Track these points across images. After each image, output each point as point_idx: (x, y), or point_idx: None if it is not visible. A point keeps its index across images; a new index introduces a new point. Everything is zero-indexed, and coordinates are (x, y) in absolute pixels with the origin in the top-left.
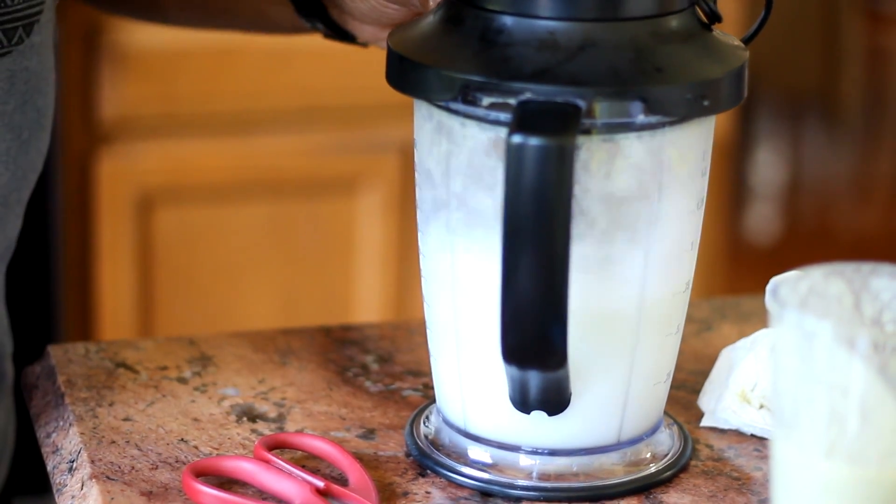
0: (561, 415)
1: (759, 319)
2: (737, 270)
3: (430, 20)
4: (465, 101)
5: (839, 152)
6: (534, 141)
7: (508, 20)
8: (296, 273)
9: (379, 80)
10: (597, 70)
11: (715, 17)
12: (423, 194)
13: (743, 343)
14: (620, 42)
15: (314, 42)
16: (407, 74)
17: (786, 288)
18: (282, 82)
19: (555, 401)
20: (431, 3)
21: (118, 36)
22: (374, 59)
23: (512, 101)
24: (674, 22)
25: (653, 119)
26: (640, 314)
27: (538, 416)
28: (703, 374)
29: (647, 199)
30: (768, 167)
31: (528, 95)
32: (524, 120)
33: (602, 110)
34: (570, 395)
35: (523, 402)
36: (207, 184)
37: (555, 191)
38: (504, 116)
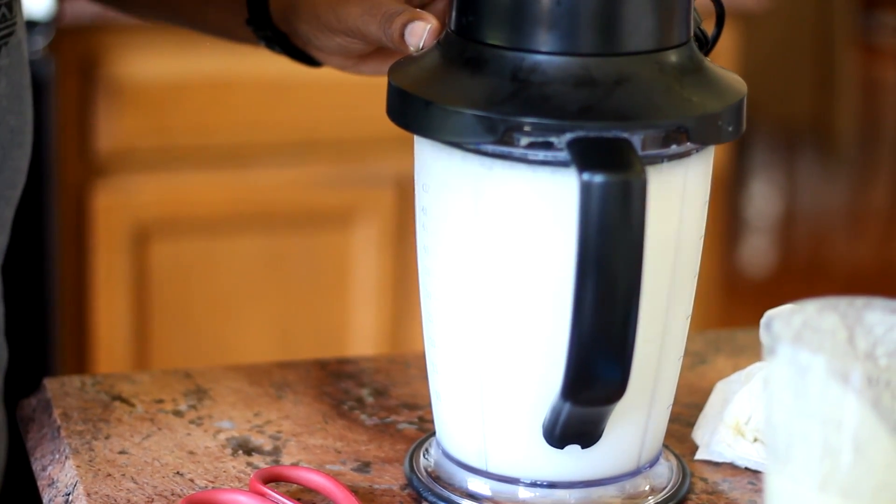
0: (590, 448)
1: (754, 353)
2: (731, 302)
3: (437, 59)
4: (502, 143)
5: (833, 185)
6: (613, 177)
7: (540, 58)
8: (291, 306)
9: (374, 112)
10: (637, 103)
11: (706, 43)
12: (429, 236)
13: (737, 376)
14: (651, 74)
15: (310, 75)
16: (435, 118)
17: (779, 322)
18: (277, 115)
19: (593, 434)
20: (409, 38)
21: (114, 69)
22: (369, 93)
23: (554, 139)
24: (685, 52)
25: (683, 148)
26: (663, 340)
27: (568, 449)
28: (698, 408)
29: (672, 227)
30: (763, 199)
31: (578, 133)
32: (591, 158)
33: (645, 142)
34: (605, 426)
35: (562, 438)
36: (203, 216)
37: (637, 223)
38: (544, 155)
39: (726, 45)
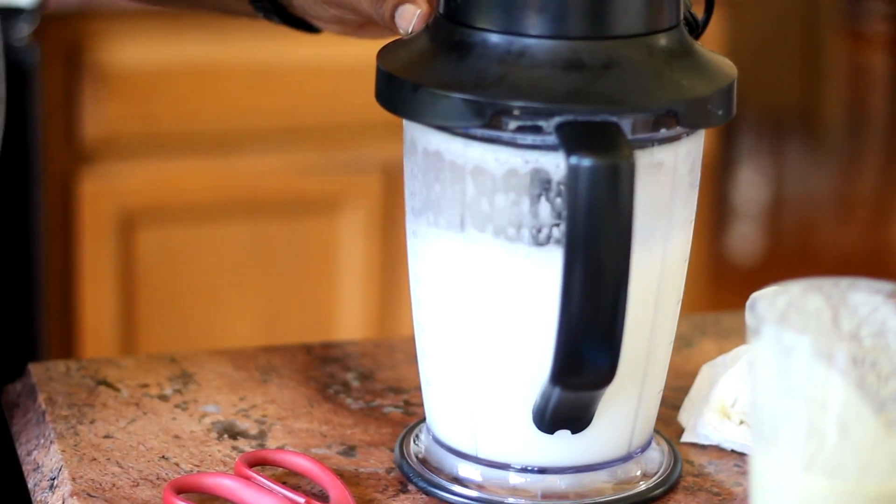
0: (581, 433)
1: (740, 336)
2: (719, 289)
3: (426, 43)
4: (490, 126)
5: (821, 171)
6: (602, 161)
7: (529, 42)
8: (278, 292)
9: (360, 98)
10: (627, 87)
11: (696, 27)
12: (419, 222)
13: (723, 359)
14: (640, 58)
15: (296, 61)
16: (423, 103)
17: (764, 303)
18: (264, 102)
19: (583, 419)
20: (399, 21)
21: (100, 56)
22: (356, 79)
23: (542, 123)
24: (675, 36)
25: (673, 132)
26: (654, 325)
27: (559, 434)
28: (684, 391)
29: (664, 209)
30: (750, 186)
31: (567, 117)
32: (580, 141)
33: (635, 126)
34: (595, 411)
35: (552, 422)
36: (189, 203)
37: (625, 207)
38: (532, 139)
39: (714, 31)
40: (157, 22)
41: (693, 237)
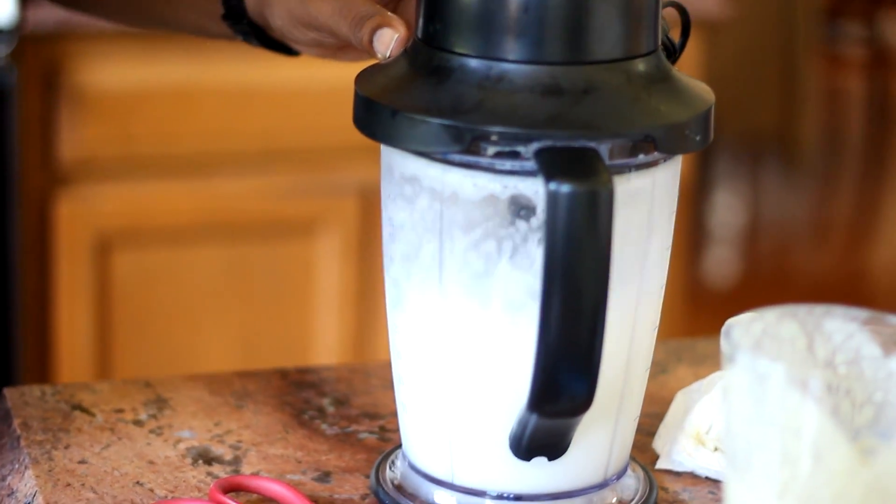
0: (557, 460)
1: (715, 362)
2: (695, 313)
3: (404, 68)
4: (469, 152)
5: (797, 195)
6: (580, 187)
7: (508, 67)
8: (254, 315)
9: (338, 121)
10: (605, 113)
11: (674, 52)
12: (395, 247)
13: (698, 386)
14: (619, 83)
15: (274, 84)
16: (401, 128)
17: (739, 330)
18: (240, 124)
19: (560, 446)
20: (377, 45)
21: (77, 77)
22: (333, 102)
23: (521, 148)
24: (653, 61)
25: (651, 158)
26: (630, 352)
27: (535, 461)
28: (659, 417)
29: (641, 235)
30: (727, 210)
31: (545, 143)
32: (558, 167)
33: (613, 152)
34: (571, 438)
35: (528, 449)
36: (165, 226)
37: (604, 233)
38: (511, 165)
39: (691, 54)
40: (135, 44)
41: (669, 261)
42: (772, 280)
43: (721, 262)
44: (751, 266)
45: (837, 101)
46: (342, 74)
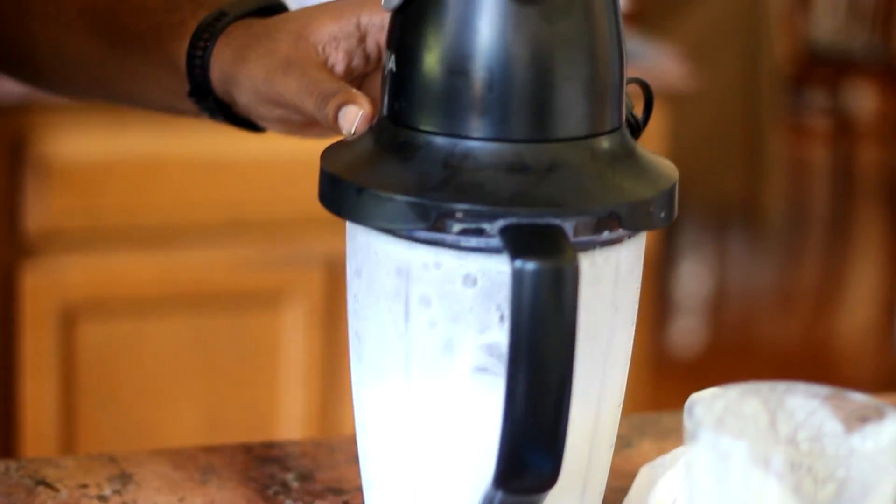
0: None
1: (679, 436)
2: (661, 383)
3: (370, 145)
4: (434, 229)
5: (763, 264)
6: (546, 265)
7: (473, 144)
8: (220, 387)
9: (303, 192)
10: (570, 190)
11: (638, 128)
12: (360, 322)
13: (662, 460)
14: (583, 161)
15: (239, 155)
16: (367, 205)
17: (701, 407)
18: (205, 196)
19: None
20: (342, 121)
21: (43, 148)
22: (298, 173)
23: (486, 226)
24: (617, 138)
25: (615, 235)
26: (595, 428)
27: None
28: (623, 491)
29: (606, 312)
30: (692, 280)
31: (510, 220)
32: (524, 245)
33: (577, 229)
34: None
35: None
36: (131, 297)
37: (569, 310)
38: (476, 242)
39: (655, 125)
40: (100, 115)
41: (635, 332)
42: (737, 349)
43: (687, 331)
44: (716, 335)
45: (802, 170)
46: (307, 146)
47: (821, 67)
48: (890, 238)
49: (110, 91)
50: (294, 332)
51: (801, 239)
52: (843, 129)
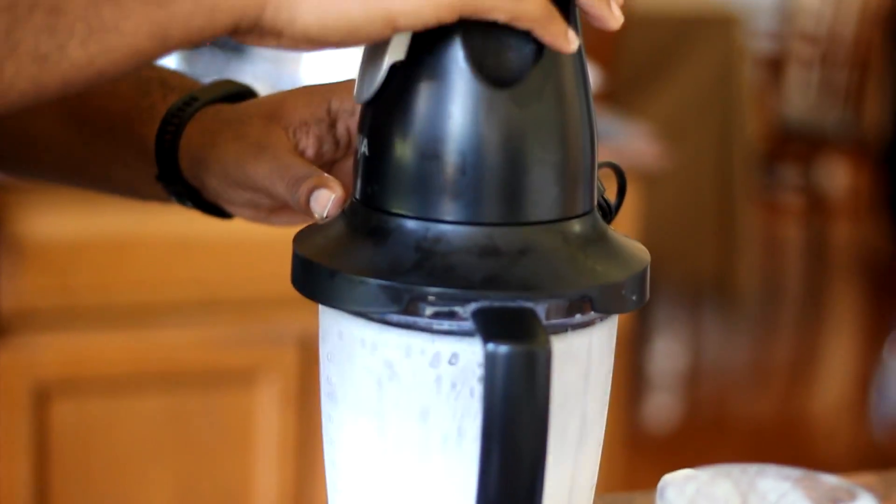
0: None
1: None
2: (635, 461)
3: (342, 229)
4: (407, 312)
5: (737, 340)
6: (518, 348)
7: (445, 228)
8: (194, 466)
9: (275, 271)
10: (542, 273)
11: (610, 211)
12: (332, 404)
13: None
14: (555, 244)
15: (211, 234)
16: (340, 289)
17: (673, 489)
18: (179, 274)
19: None
20: (314, 205)
21: (16, 228)
22: (270, 252)
23: (459, 309)
24: (589, 221)
25: (587, 317)
26: None
27: None
28: None
29: (578, 394)
30: (666, 356)
31: (483, 303)
32: (496, 328)
33: (549, 312)
34: None
35: None
36: (105, 376)
37: (542, 393)
38: (448, 325)
39: (628, 202)
40: (73, 195)
41: (608, 409)
42: (712, 426)
43: (661, 407)
44: (690, 411)
45: (775, 247)
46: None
47: (793, 144)
48: (863, 314)
49: (78, 176)
50: (268, 410)
51: (774, 315)
52: (816, 205)
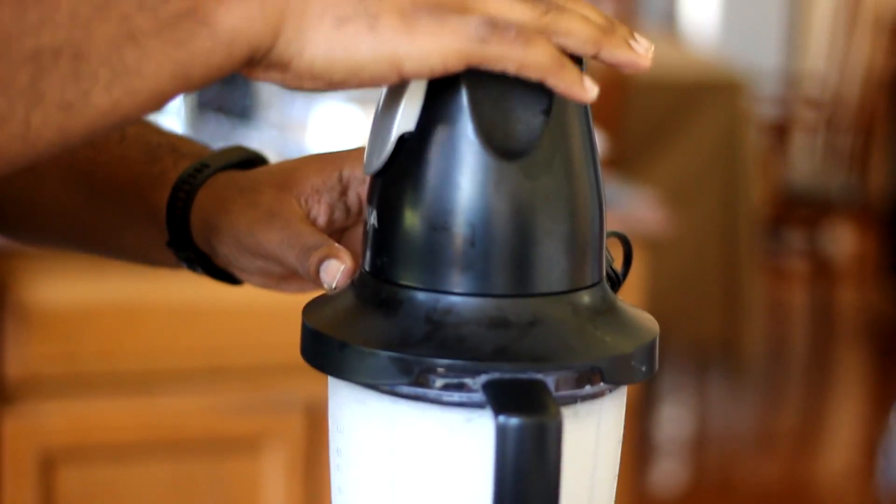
0: None
1: None
2: None
3: (351, 300)
4: (417, 384)
5: (742, 406)
6: (529, 420)
7: (455, 300)
8: None
9: (282, 338)
10: (552, 345)
11: (618, 281)
12: (342, 476)
13: None
14: (565, 315)
15: (218, 301)
16: (350, 360)
17: None
18: (186, 341)
19: None
20: (323, 276)
21: (22, 295)
22: (277, 319)
23: (469, 381)
24: (598, 292)
25: (597, 388)
26: None
27: None
28: None
29: (587, 465)
30: (673, 422)
31: (493, 375)
32: (507, 400)
33: (559, 383)
34: None
35: None
36: (111, 443)
37: (552, 465)
38: (458, 396)
39: (633, 268)
40: (79, 261)
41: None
42: (718, 492)
43: (667, 474)
44: (696, 477)
45: (781, 312)
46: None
47: (798, 209)
48: (869, 379)
49: (86, 241)
50: (274, 478)
51: (780, 380)
52: (822, 269)
